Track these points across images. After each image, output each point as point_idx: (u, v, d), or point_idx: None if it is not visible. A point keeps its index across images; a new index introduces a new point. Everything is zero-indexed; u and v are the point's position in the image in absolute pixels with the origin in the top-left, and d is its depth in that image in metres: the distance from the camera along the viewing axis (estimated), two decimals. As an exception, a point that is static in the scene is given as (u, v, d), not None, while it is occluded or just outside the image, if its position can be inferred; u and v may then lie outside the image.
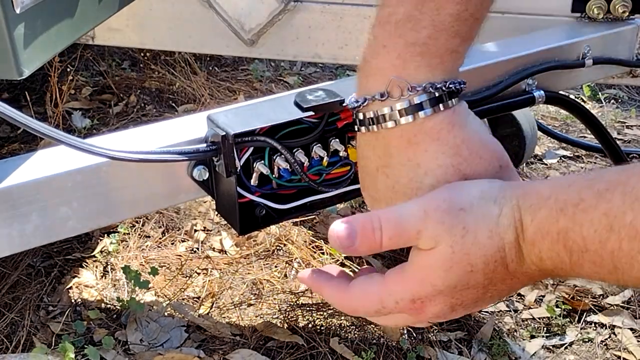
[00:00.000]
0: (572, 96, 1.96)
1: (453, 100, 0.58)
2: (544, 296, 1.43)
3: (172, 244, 1.53)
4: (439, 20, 0.55)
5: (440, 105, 0.56)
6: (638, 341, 1.33)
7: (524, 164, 1.89)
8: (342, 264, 1.47)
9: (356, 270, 1.46)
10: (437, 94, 0.56)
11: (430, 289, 0.54)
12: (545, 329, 1.36)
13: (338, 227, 0.54)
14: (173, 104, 2.06)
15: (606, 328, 1.37)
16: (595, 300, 1.43)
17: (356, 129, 0.60)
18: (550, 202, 0.51)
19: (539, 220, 0.51)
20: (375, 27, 0.57)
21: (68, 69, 2.06)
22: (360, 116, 0.59)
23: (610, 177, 0.48)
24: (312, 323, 1.32)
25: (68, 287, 1.39)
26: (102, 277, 1.43)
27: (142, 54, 2.26)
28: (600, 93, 2.28)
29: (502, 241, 0.53)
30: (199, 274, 1.45)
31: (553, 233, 0.50)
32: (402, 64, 0.56)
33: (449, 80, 0.57)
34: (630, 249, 0.45)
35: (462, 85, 0.59)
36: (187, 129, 0.76)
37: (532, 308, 1.41)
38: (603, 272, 0.48)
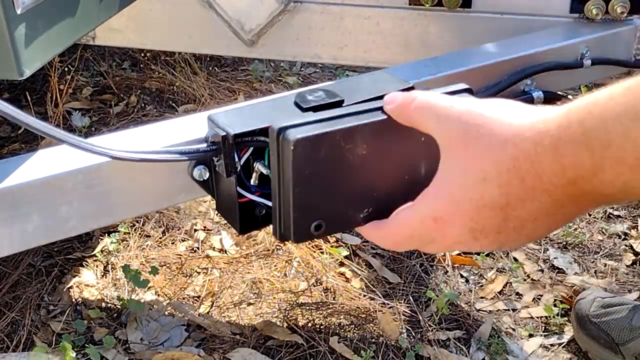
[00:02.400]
0: (570, 97, 1.96)
1: None
2: (542, 295, 1.44)
3: (173, 243, 1.54)
4: None
5: None
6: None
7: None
8: (342, 264, 1.48)
9: (356, 269, 1.46)
10: None
11: (448, 201, 0.55)
12: (543, 327, 1.37)
13: (393, 93, 0.63)
14: (173, 104, 2.06)
15: (604, 327, 1.37)
16: (594, 299, 1.43)
17: None
18: (580, 105, 0.49)
19: (565, 125, 0.49)
20: None
21: (68, 69, 2.07)
22: None
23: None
24: (312, 322, 1.33)
25: (68, 286, 1.39)
26: (102, 276, 1.43)
27: (142, 54, 2.26)
28: (599, 93, 2.28)
29: (516, 149, 0.51)
30: (199, 273, 1.45)
31: (578, 135, 0.48)
32: None
33: None
34: None
35: None
36: (188, 129, 0.76)
37: (530, 307, 1.41)
38: (625, 169, 0.46)
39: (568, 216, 0.54)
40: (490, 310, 1.40)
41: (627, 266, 1.53)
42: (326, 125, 0.62)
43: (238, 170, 0.69)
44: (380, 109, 0.65)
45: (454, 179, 0.55)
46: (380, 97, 0.71)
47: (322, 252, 1.49)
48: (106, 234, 1.53)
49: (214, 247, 1.53)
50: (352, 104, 0.66)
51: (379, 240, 0.65)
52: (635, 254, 1.56)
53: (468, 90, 0.71)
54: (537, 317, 1.39)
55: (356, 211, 0.67)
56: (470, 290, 1.45)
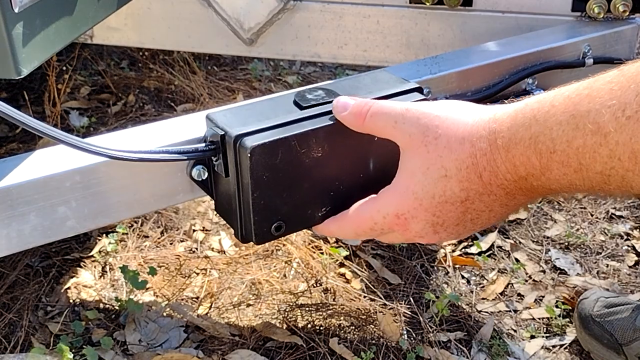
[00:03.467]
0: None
1: None
2: (543, 296, 1.43)
3: (171, 244, 1.53)
4: None
5: None
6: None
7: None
8: (342, 264, 1.47)
9: (357, 270, 1.46)
10: None
11: (412, 198, 0.60)
12: (545, 329, 1.36)
13: (343, 99, 0.65)
14: (172, 104, 2.06)
15: (606, 328, 1.37)
16: (595, 300, 1.43)
17: None
18: (526, 110, 0.54)
19: (514, 129, 0.54)
20: None
21: (66, 69, 2.06)
22: None
23: (580, 84, 0.52)
24: (312, 323, 1.32)
25: (66, 287, 1.39)
26: (100, 277, 1.42)
27: (140, 53, 2.25)
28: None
29: (473, 148, 0.56)
30: (197, 274, 1.44)
31: (526, 139, 0.53)
32: None
33: None
34: (593, 143, 0.49)
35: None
36: (186, 128, 0.75)
37: (531, 308, 1.41)
38: (570, 171, 0.51)
39: (518, 205, 0.60)
40: (491, 312, 1.39)
41: (630, 267, 1.52)
42: (282, 131, 0.65)
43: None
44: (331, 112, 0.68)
45: (416, 177, 0.59)
46: (380, 98, 0.71)
47: (322, 253, 1.48)
48: (104, 235, 1.52)
49: (213, 248, 1.53)
50: (309, 107, 0.68)
51: (339, 232, 0.69)
52: (638, 254, 1.56)
53: (418, 90, 0.73)
54: (539, 318, 1.38)
55: (315, 210, 0.70)
56: (472, 291, 1.44)
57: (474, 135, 0.56)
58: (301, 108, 0.69)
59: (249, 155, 0.62)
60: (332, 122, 0.67)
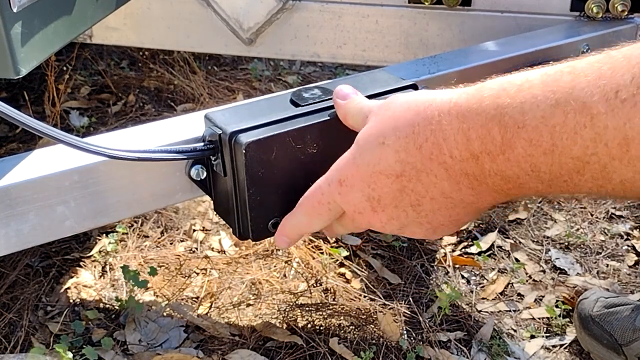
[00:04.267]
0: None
1: None
2: (543, 296, 1.43)
3: (171, 243, 1.53)
4: None
5: None
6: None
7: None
8: (342, 264, 1.47)
9: (357, 270, 1.46)
10: None
11: (352, 163, 0.56)
12: (545, 329, 1.36)
13: (346, 88, 0.65)
14: (172, 103, 2.06)
15: (606, 328, 1.37)
16: (595, 300, 1.42)
17: None
18: (493, 83, 0.49)
19: (476, 99, 0.48)
20: None
21: (66, 68, 2.06)
22: None
23: (560, 65, 0.46)
24: (312, 323, 1.32)
25: (66, 287, 1.39)
26: (100, 277, 1.42)
27: (140, 53, 2.25)
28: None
29: (417, 116, 0.51)
30: (197, 274, 1.44)
31: (490, 109, 0.47)
32: None
33: None
34: (576, 123, 0.43)
35: None
36: (185, 128, 0.76)
37: (531, 308, 1.41)
38: (537, 152, 0.45)
39: (467, 207, 0.53)
40: (491, 311, 1.39)
41: (630, 267, 1.52)
42: (277, 127, 0.65)
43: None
44: (327, 108, 0.68)
45: (359, 144, 0.56)
46: (376, 96, 0.71)
47: (322, 253, 1.48)
48: (104, 235, 1.52)
49: (213, 248, 1.53)
50: (305, 105, 0.68)
51: (290, 221, 0.65)
52: (638, 254, 1.56)
53: (413, 87, 0.74)
54: (539, 318, 1.38)
55: None
56: (472, 291, 1.44)
57: (421, 104, 0.51)
58: (297, 106, 0.69)
59: (244, 151, 0.63)
60: (327, 118, 0.67)
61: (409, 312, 1.36)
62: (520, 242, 1.58)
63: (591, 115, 0.42)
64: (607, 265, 1.52)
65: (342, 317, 1.33)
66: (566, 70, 0.45)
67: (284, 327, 1.30)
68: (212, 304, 1.36)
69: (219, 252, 1.51)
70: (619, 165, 0.42)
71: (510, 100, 0.46)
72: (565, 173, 0.45)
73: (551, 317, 1.37)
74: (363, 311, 1.34)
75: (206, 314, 1.34)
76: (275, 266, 1.46)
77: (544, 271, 1.50)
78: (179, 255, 1.49)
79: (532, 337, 1.34)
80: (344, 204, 0.58)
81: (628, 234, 1.62)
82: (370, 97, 0.71)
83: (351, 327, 1.32)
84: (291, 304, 1.36)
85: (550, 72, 0.46)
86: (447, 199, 0.53)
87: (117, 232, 1.52)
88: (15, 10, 0.69)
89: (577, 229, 1.63)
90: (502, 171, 0.48)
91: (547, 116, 0.44)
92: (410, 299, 1.39)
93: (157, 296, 1.38)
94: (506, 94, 0.47)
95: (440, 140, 0.49)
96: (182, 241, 1.54)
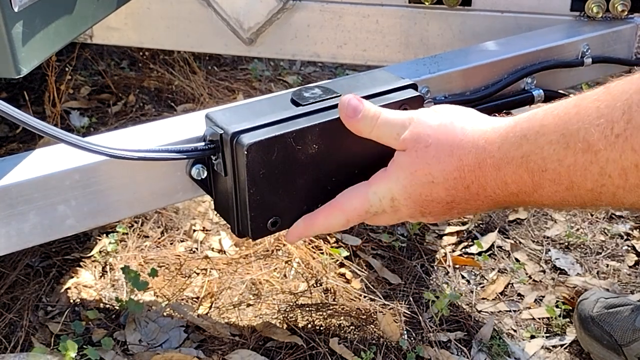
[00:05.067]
0: (571, 95, 1.95)
1: None
2: (543, 296, 1.43)
3: (171, 244, 1.53)
4: None
5: None
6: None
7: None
8: (342, 264, 1.47)
9: (357, 270, 1.46)
10: None
11: (403, 190, 0.63)
12: (545, 329, 1.36)
13: (352, 101, 0.65)
14: (172, 104, 2.06)
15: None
16: (595, 300, 1.42)
17: None
18: (516, 129, 0.56)
19: (505, 148, 0.56)
20: None
21: (67, 68, 2.06)
22: None
23: (568, 102, 0.54)
24: (312, 323, 1.32)
25: (67, 287, 1.39)
26: (100, 277, 1.42)
27: (140, 53, 2.25)
28: (599, 93, 2.27)
29: (461, 162, 0.59)
30: (198, 274, 1.44)
31: (517, 158, 0.55)
32: None
33: None
34: (584, 161, 0.50)
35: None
36: (186, 127, 0.76)
37: (531, 308, 1.41)
38: (561, 189, 0.54)
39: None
40: (491, 312, 1.39)
41: (630, 267, 1.52)
42: (278, 128, 0.66)
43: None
44: (328, 108, 0.68)
45: (405, 173, 0.63)
46: (376, 95, 0.72)
47: (322, 253, 1.48)
48: (104, 235, 1.52)
49: (213, 248, 1.53)
50: (306, 105, 0.69)
51: (326, 221, 0.70)
52: (638, 254, 1.56)
53: (412, 86, 0.74)
54: (539, 318, 1.38)
55: (310, 205, 0.71)
56: (472, 291, 1.44)
57: (462, 150, 0.59)
58: (298, 106, 0.69)
59: (245, 152, 0.63)
60: (327, 119, 0.67)
61: (409, 312, 1.36)
62: (520, 242, 1.58)
63: (595, 152, 0.49)
64: (607, 266, 1.52)
65: (342, 317, 1.33)
66: (573, 111, 0.52)
67: (284, 327, 1.30)
68: (212, 304, 1.36)
69: (219, 252, 1.51)
70: (623, 192, 0.49)
71: (532, 147, 0.54)
72: (587, 201, 0.53)
73: (551, 317, 1.37)
74: (363, 311, 1.34)
75: (206, 314, 1.34)
76: (275, 266, 1.46)
77: (544, 271, 1.50)
78: (179, 255, 1.49)
79: (532, 337, 1.34)
80: (393, 212, 0.67)
81: (628, 234, 1.62)
82: (370, 96, 0.71)
83: (351, 327, 1.32)
84: (291, 304, 1.36)
85: (562, 114, 0.53)
86: (492, 207, 0.62)
87: (117, 232, 1.52)
88: (16, 9, 0.69)
89: (577, 229, 1.63)
90: (538, 203, 0.57)
91: (562, 158, 0.52)
92: (411, 299, 1.39)
93: (157, 296, 1.38)
94: (527, 142, 0.54)
95: (483, 184, 0.58)
96: (182, 241, 1.54)
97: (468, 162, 0.59)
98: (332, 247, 1.51)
